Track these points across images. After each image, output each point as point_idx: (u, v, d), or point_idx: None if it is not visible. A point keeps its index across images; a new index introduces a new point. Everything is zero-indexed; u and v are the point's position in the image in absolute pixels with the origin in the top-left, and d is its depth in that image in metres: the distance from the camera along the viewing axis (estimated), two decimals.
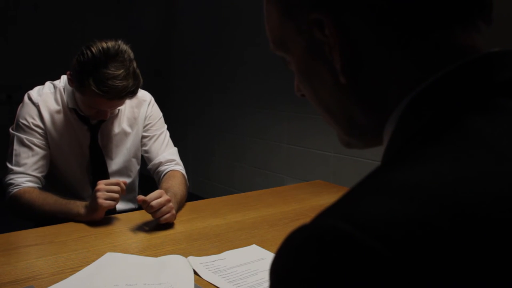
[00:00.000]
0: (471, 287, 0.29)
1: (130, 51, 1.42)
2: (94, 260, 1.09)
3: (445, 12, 0.40)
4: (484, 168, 0.33)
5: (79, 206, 1.39)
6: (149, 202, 1.29)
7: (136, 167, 1.72)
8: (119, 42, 1.41)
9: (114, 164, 1.65)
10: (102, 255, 1.12)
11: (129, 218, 1.44)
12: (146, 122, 1.69)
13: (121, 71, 1.37)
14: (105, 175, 1.61)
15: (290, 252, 0.34)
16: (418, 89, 0.39)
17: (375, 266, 0.29)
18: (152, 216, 1.33)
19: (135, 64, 1.43)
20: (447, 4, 0.39)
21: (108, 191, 1.33)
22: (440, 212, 0.30)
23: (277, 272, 0.34)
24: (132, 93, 1.43)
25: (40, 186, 1.53)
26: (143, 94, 1.70)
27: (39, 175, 1.52)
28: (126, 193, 1.70)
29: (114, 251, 1.15)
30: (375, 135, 0.45)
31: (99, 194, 1.32)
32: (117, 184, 1.36)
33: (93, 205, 1.34)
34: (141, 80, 1.46)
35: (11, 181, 1.49)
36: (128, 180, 1.70)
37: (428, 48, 0.40)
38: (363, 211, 0.31)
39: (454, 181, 0.32)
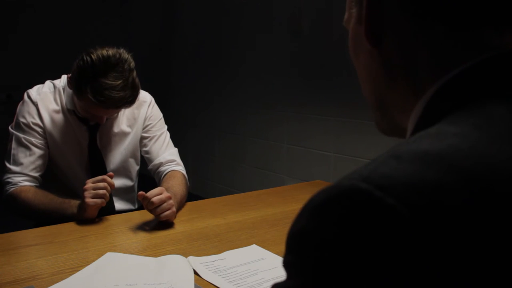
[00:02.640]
0: (480, 255, 0.30)
1: (131, 60, 1.41)
2: (94, 260, 1.09)
3: (479, 12, 0.40)
4: (504, 149, 0.34)
5: (72, 206, 1.40)
6: (150, 198, 1.30)
7: (134, 167, 1.72)
8: (121, 50, 1.39)
9: (112, 164, 1.65)
10: (102, 255, 1.12)
11: (129, 218, 1.44)
12: (146, 123, 1.69)
13: (119, 81, 1.36)
14: (104, 174, 1.61)
15: (312, 211, 0.35)
16: (447, 77, 0.40)
17: (392, 223, 0.30)
18: (153, 213, 1.33)
19: (134, 74, 1.42)
20: (482, 6, 0.40)
21: (94, 189, 1.34)
22: (458, 180, 0.31)
23: (298, 232, 0.35)
24: (129, 104, 1.44)
25: (37, 185, 1.53)
26: (143, 95, 1.70)
27: (36, 174, 1.52)
28: (125, 193, 1.71)
29: (114, 251, 1.15)
30: (398, 119, 0.47)
31: (85, 193, 1.34)
32: (103, 180, 1.36)
33: (83, 204, 1.35)
34: (140, 90, 1.46)
35: (8, 180, 1.50)
36: (127, 181, 1.70)
37: (457, 41, 0.41)
38: (382, 173, 0.33)
39: (474, 156, 0.33)
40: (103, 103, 1.36)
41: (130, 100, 1.42)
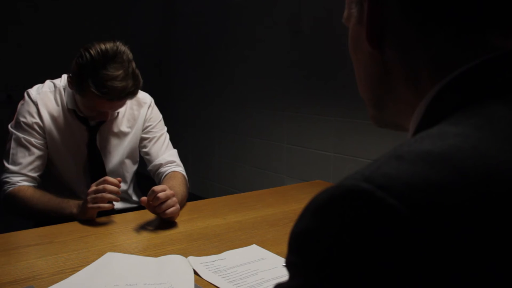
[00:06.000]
0: (481, 255, 0.30)
1: (128, 51, 1.43)
2: (94, 260, 1.09)
3: (482, 17, 0.40)
4: (506, 149, 0.34)
5: (72, 206, 1.40)
6: (157, 193, 1.30)
7: (132, 168, 1.72)
8: (118, 43, 1.41)
9: (111, 164, 1.65)
10: (102, 255, 1.12)
11: (129, 218, 1.44)
12: (146, 124, 1.69)
13: (120, 72, 1.37)
14: (103, 175, 1.60)
15: (314, 211, 0.35)
16: (448, 78, 0.40)
17: (393, 223, 0.30)
18: (157, 209, 1.33)
19: (134, 65, 1.43)
20: (485, 11, 0.40)
21: (95, 192, 1.34)
22: (460, 181, 0.31)
23: (300, 232, 0.35)
24: (132, 94, 1.44)
25: (35, 185, 1.53)
26: (144, 96, 1.71)
27: (34, 174, 1.52)
28: (122, 193, 1.70)
29: (114, 251, 1.15)
30: (397, 118, 0.47)
31: (88, 198, 1.34)
32: (104, 181, 1.35)
33: (84, 206, 1.35)
34: (141, 80, 1.46)
35: (6, 180, 1.50)
36: (123, 182, 1.70)
37: (458, 44, 0.41)
38: (384, 173, 0.33)
39: (476, 156, 0.33)
40: (107, 94, 1.37)
41: (132, 90, 1.42)
